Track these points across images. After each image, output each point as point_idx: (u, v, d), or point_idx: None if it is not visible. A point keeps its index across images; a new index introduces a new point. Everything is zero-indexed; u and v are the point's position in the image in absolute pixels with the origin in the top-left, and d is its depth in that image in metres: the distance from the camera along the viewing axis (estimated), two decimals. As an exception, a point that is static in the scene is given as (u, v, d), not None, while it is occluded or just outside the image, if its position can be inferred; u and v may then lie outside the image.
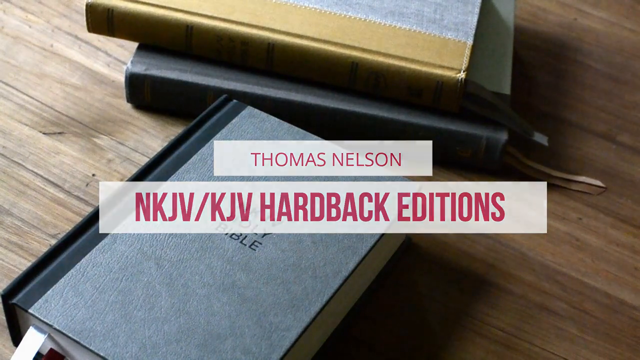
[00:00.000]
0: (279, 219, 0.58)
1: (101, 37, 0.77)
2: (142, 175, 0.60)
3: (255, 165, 0.61)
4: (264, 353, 0.51)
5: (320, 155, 0.63)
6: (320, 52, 0.70)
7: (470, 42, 0.71)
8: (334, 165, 0.62)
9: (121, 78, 0.75)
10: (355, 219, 0.59)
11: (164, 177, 0.60)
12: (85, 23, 0.71)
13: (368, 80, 0.70)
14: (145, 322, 0.52)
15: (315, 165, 0.62)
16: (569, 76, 0.82)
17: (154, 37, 0.71)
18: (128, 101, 0.72)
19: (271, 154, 0.62)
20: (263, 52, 0.70)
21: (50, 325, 0.51)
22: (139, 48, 0.72)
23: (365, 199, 0.60)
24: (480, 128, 0.70)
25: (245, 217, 0.58)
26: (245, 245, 0.56)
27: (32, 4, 0.81)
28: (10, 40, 0.77)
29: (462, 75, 0.69)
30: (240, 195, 0.59)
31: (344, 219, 0.58)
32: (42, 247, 0.62)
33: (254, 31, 0.70)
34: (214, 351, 0.51)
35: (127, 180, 0.59)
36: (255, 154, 0.62)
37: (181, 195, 0.59)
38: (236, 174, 0.61)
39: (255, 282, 0.54)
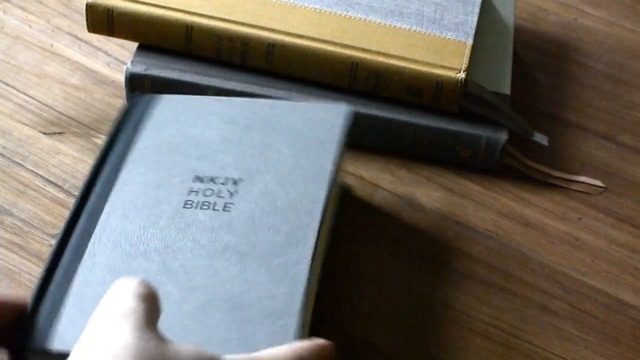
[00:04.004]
0: (239, 177, 0.59)
1: (101, 37, 0.77)
2: (87, 190, 0.59)
3: (193, 143, 0.62)
4: (288, 291, 0.52)
5: (244, 112, 0.64)
6: (320, 52, 0.70)
7: (470, 42, 0.71)
8: (260, 115, 0.63)
9: (121, 78, 0.75)
10: (304, 151, 0.60)
11: (110, 181, 0.59)
12: (85, 23, 0.71)
13: (368, 80, 0.70)
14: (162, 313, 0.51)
15: (246, 121, 0.63)
16: (569, 76, 0.82)
17: (154, 37, 0.71)
18: (128, 101, 0.72)
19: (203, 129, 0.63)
20: (263, 52, 0.70)
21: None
22: (139, 48, 0.72)
23: (306, 134, 0.62)
24: (480, 128, 0.70)
25: (206, 187, 0.59)
26: (218, 210, 0.57)
27: (32, 4, 0.81)
28: (10, 40, 0.77)
29: (462, 75, 0.69)
30: (192, 170, 0.60)
31: (296, 157, 0.60)
32: (42, 247, 0.62)
33: (254, 31, 0.70)
34: (242, 310, 0.51)
35: (82, 189, 0.59)
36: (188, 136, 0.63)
37: (134, 193, 0.59)
38: (178, 155, 0.61)
39: (244, 238, 0.55)
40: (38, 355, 0.50)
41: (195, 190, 0.58)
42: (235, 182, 0.59)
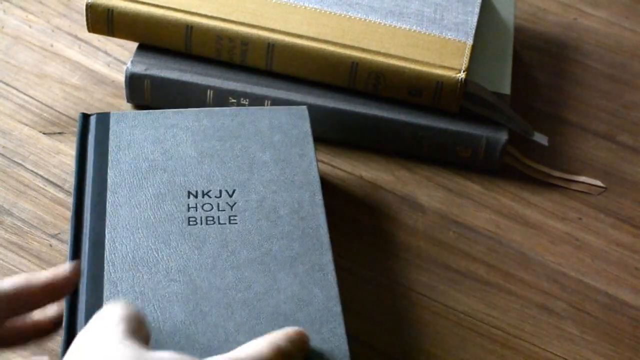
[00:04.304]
0: (231, 188, 0.59)
1: (101, 37, 0.77)
2: (77, 228, 0.57)
3: (168, 158, 0.61)
4: (323, 295, 0.53)
5: (208, 122, 0.64)
6: (320, 52, 0.70)
7: (470, 42, 0.71)
8: (224, 125, 0.64)
9: (121, 78, 0.75)
10: (284, 156, 0.62)
11: (101, 216, 0.57)
12: (85, 23, 0.71)
13: (368, 80, 0.70)
14: (219, 329, 0.51)
15: (213, 131, 0.63)
16: (569, 76, 0.82)
17: (154, 37, 0.71)
18: (128, 101, 0.72)
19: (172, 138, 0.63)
20: (263, 52, 0.70)
21: None
22: (139, 48, 0.72)
23: (277, 137, 0.63)
24: (480, 128, 0.70)
25: (204, 202, 0.58)
26: (224, 224, 0.57)
27: (32, 4, 0.81)
28: (10, 40, 0.77)
29: (462, 75, 0.69)
30: (181, 186, 0.59)
31: (279, 164, 0.61)
32: (42, 247, 0.62)
33: (254, 31, 0.70)
34: (286, 320, 0.52)
35: (73, 217, 0.57)
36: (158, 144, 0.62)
37: (130, 215, 0.57)
38: (159, 172, 0.60)
39: (261, 249, 0.56)
40: None
41: (192, 206, 0.58)
42: (230, 194, 0.59)
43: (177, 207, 0.58)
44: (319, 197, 0.59)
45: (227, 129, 0.63)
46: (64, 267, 0.49)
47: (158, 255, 0.55)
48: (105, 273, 0.54)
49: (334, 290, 0.54)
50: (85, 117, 0.64)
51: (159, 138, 0.62)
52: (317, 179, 0.60)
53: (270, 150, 0.62)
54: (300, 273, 0.54)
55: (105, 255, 0.55)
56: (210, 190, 0.59)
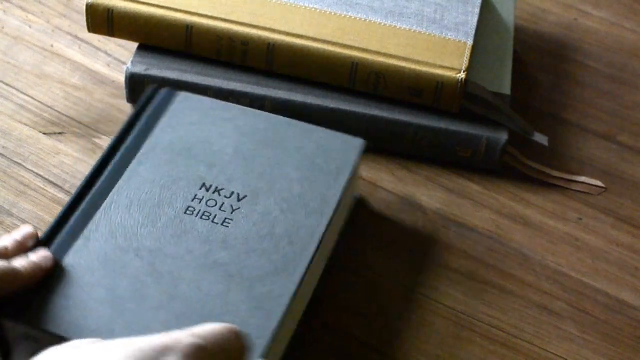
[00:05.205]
0: (243, 193, 0.59)
1: (101, 37, 0.77)
2: (96, 174, 0.60)
3: (205, 147, 0.62)
4: (261, 322, 0.52)
5: (261, 126, 0.64)
6: (320, 52, 0.70)
7: (470, 42, 0.71)
8: (276, 133, 0.63)
9: (121, 78, 0.75)
10: (312, 179, 0.60)
11: (119, 172, 0.60)
12: (85, 23, 0.71)
13: (368, 80, 0.70)
14: (138, 313, 0.52)
15: (261, 136, 0.63)
16: (569, 76, 0.82)
17: (154, 37, 0.71)
18: (128, 101, 0.72)
19: (217, 133, 0.63)
20: (263, 52, 0.70)
21: (45, 331, 0.51)
22: (139, 48, 0.72)
23: (317, 160, 0.62)
24: (480, 128, 0.70)
25: (209, 197, 0.59)
26: (217, 223, 0.57)
27: (32, 4, 0.81)
28: (10, 40, 0.77)
29: (462, 75, 0.69)
30: (198, 177, 0.60)
31: (303, 184, 0.60)
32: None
33: (254, 31, 0.70)
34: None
35: (86, 177, 0.60)
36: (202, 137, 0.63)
37: (140, 188, 0.59)
38: (189, 158, 0.61)
39: (236, 257, 0.55)
40: (9, 326, 0.52)
41: (199, 197, 0.58)
42: (239, 198, 0.59)
43: (184, 194, 0.59)
44: (320, 228, 0.58)
45: (274, 137, 0.63)
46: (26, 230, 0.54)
47: (139, 231, 0.56)
48: (86, 229, 0.56)
49: (274, 322, 0.52)
50: (155, 90, 0.66)
51: (207, 127, 0.63)
52: (331, 211, 0.59)
53: (302, 171, 0.61)
54: (256, 294, 0.53)
55: (96, 213, 0.57)
56: (223, 189, 0.59)
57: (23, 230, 0.55)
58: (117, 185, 0.59)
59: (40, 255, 0.54)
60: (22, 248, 0.54)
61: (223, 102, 0.66)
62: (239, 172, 0.60)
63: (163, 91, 0.66)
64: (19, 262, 0.52)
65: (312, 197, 0.59)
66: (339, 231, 0.64)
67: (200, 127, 0.63)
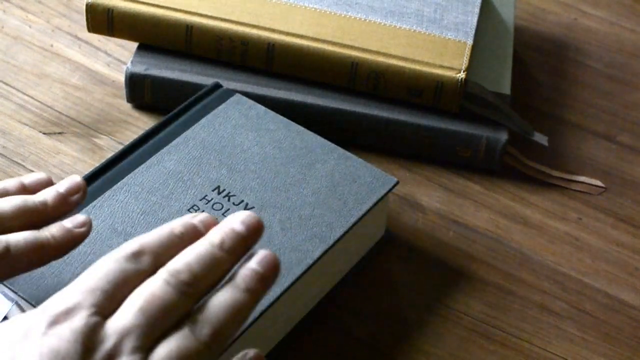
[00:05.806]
0: (252, 204, 0.59)
1: (101, 37, 0.77)
2: (124, 154, 0.61)
3: (235, 152, 0.62)
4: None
5: (299, 144, 0.63)
6: (320, 52, 0.70)
7: (470, 42, 0.71)
8: (311, 153, 0.63)
9: (121, 78, 0.75)
10: (327, 206, 0.59)
11: (145, 158, 0.61)
12: (85, 23, 0.71)
13: (368, 80, 0.70)
14: None
15: (294, 153, 0.63)
16: (569, 76, 0.82)
17: (154, 37, 0.71)
18: (128, 101, 0.72)
19: (252, 140, 0.63)
20: (263, 52, 0.70)
21: (16, 292, 0.52)
22: (139, 48, 0.72)
23: (339, 188, 0.60)
24: (480, 128, 0.70)
25: (217, 201, 0.59)
26: None
27: (32, 4, 0.81)
28: (10, 40, 0.77)
29: (462, 75, 0.69)
30: (216, 179, 0.60)
31: (316, 208, 0.59)
32: (42, 247, 0.62)
33: (254, 31, 0.70)
34: None
35: (110, 158, 0.61)
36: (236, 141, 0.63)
37: (157, 176, 0.60)
38: (216, 158, 0.61)
39: None
40: None
41: (208, 198, 0.58)
42: (245, 208, 0.58)
43: (195, 192, 0.59)
44: (313, 255, 0.56)
45: (306, 157, 0.62)
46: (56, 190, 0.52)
47: (135, 219, 0.57)
48: (90, 205, 0.57)
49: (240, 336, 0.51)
50: (213, 87, 0.67)
51: (246, 133, 0.63)
52: (331, 242, 0.57)
53: (319, 195, 0.60)
54: None
55: (106, 192, 0.58)
56: (234, 196, 0.59)
57: (68, 182, 0.52)
58: (135, 170, 0.60)
59: (76, 221, 0.50)
60: (64, 204, 0.51)
61: (273, 113, 0.65)
62: (256, 183, 0.60)
63: (220, 90, 0.67)
64: (50, 232, 0.49)
65: (318, 222, 0.58)
66: (354, 263, 0.62)
67: (239, 131, 0.63)
